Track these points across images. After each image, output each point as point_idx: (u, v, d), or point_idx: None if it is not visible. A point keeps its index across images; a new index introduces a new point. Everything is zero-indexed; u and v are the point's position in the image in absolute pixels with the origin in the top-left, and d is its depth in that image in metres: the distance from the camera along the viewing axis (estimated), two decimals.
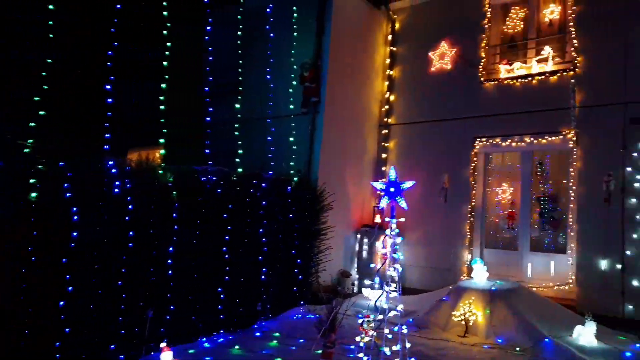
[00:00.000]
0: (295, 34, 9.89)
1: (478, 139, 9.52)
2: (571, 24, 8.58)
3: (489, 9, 9.71)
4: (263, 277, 7.25)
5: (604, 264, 7.77)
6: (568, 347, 5.86)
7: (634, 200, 7.63)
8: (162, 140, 7.07)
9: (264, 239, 7.29)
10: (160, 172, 5.92)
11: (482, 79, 9.57)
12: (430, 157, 10.09)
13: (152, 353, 5.25)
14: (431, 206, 9.86)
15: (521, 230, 9.28)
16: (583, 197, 8.15)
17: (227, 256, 6.61)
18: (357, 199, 10.50)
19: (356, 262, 10.17)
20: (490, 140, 9.39)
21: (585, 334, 6.11)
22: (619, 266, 7.60)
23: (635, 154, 7.70)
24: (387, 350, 4.34)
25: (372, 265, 4.36)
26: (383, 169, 10.80)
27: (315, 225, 8.54)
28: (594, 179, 7.96)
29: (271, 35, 9.89)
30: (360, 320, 6.22)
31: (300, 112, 9.81)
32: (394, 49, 11.06)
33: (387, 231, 4.28)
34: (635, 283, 7.46)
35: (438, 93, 10.18)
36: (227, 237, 6.60)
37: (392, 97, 10.97)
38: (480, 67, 9.61)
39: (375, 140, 11.06)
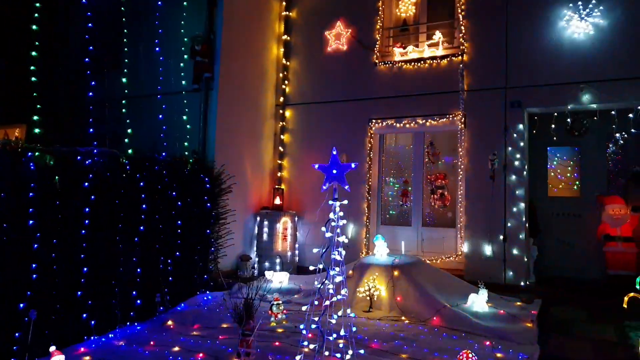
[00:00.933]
0: (185, 3, 9.13)
1: (374, 120, 9.74)
2: (460, 10, 9.07)
3: None
4: (161, 266, 6.68)
5: (488, 236, 8.48)
6: (464, 314, 6.25)
7: (514, 177, 8.40)
8: (36, 118, 6.03)
9: (160, 226, 6.70)
10: (33, 154, 5.04)
11: (376, 61, 9.76)
12: (328, 137, 10.09)
13: (38, 359, 4.53)
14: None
15: (414, 207, 9.76)
16: (471, 175, 8.77)
17: (120, 246, 5.93)
18: (255, 180, 10.21)
19: (255, 245, 9.92)
20: (385, 122, 9.66)
21: (478, 301, 6.58)
22: (501, 237, 8.34)
23: (515, 135, 8.45)
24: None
25: (315, 251, 4.10)
26: (281, 149, 10.61)
27: (215, 209, 8.09)
28: (480, 158, 8.59)
29: (159, 3, 9.01)
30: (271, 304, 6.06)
31: (192, 89, 9.18)
32: (290, 26, 10.80)
33: (331, 215, 4.06)
34: (514, 252, 8.27)
35: (335, 74, 10.20)
36: (119, 226, 5.91)
37: (289, 76, 10.74)
38: (375, 49, 9.79)
39: (272, 119, 10.79)
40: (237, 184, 8.46)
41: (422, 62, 9.33)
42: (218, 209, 8.14)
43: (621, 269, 8.25)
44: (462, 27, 8.98)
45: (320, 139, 10.19)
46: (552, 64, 8.23)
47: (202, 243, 7.65)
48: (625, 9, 7.83)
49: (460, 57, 8.94)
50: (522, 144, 8.44)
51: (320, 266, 4.01)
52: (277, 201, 10.29)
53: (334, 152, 4.25)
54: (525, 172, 8.48)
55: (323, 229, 4.04)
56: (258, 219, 9.95)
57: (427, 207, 9.86)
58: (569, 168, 9.51)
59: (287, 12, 10.82)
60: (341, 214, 4.08)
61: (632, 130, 7.96)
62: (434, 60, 9.21)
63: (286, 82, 10.75)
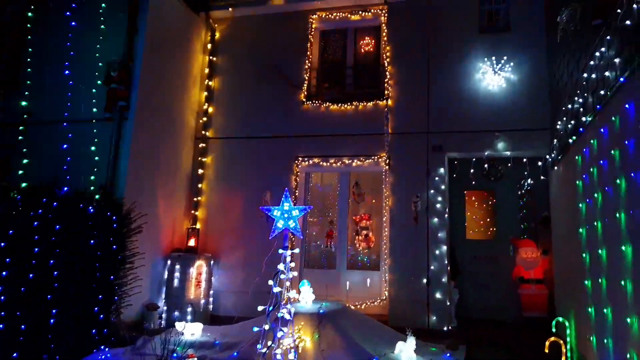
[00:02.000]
0: (103, 26, 8.45)
1: (300, 158, 9.51)
2: (385, 57, 9.29)
3: (313, 33, 9.92)
4: (52, 319, 5.72)
5: (412, 279, 8.41)
6: None
7: (436, 219, 8.51)
8: None
9: (55, 273, 5.78)
10: None
11: (304, 99, 9.65)
12: (251, 174, 9.71)
13: None
14: (251, 226, 9.46)
15: (339, 248, 9.53)
16: (395, 217, 8.76)
17: (2, 298, 4.97)
18: (168, 219, 9.42)
19: (165, 292, 9.03)
20: (312, 160, 9.48)
21: (406, 350, 6.36)
22: (424, 280, 8.32)
23: (436, 178, 8.62)
24: None
25: (261, 308, 3.58)
26: (199, 185, 9.97)
27: (122, 252, 7.26)
28: (404, 199, 8.64)
29: (72, 23, 8.24)
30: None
31: (104, 117, 8.38)
32: (214, 58, 10.43)
33: (280, 266, 3.59)
34: (437, 295, 8.26)
35: (261, 109, 9.92)
36: (4, 273, 4.97)
37: (210, 109, 10.27)
38: (303, 88, 9.69)
39: (190, 154, 10.16)
40: (147, 223, 7.71)
41: (348, 104, 9.36)
42: (125, 251, 7.33)
43: (535, 311, 8.54)
44: (388, 73, 9.17)
45: (243, 175, 9.75)
46: (470, 112, 8.61)
47: (104, 291, 6.77)
48: (531, 66, 8.46)
49: (385, 101, 9.08)
50: (443, 187, 8.62)
51: (266, 326, 3.53)
52: (192, 242, 9.54)
53: (286, 196, 3.86)
54: (446, 215, 8.63)
55: (270, 282, 3.58)
56: (169, 262, 9.11)
57: (351, 249, 9.67)
58: (485, 212, 9.87)
59: (211, 44, 10.45)
60: (292, 264, 3.66)
61: (542, 177, 8.45)
62: (361, 103, 9.28)
63: (207, 114, 10.25)
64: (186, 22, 10.03)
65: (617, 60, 4.31)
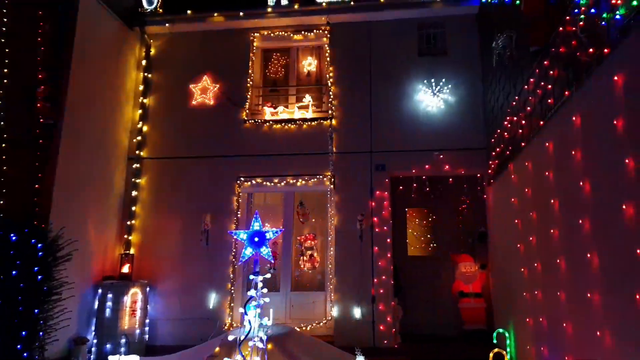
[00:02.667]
0: (29, 39, 7.81)
1: (242, 178, 9.27)
2: (329, 77, 9.36)
3: (255, 51, 9.81)
4: None
5: (357, 298, 8.39)
6: None
7: (380, 238, 8.57)
8: None
9: None
10: None
11: (246, 118, 9.47)
12: (190, 196, 9.32)
13: None
14: (190, 250, 9.07)
15: (283, 270, 9.32)
16: (340, 236, 8.74)
17: None
18: (99, 245, 8.80)
19: (95, 323, 8.35)
20: (254, 180, 9.27)
21: None
22: (369, 298, 8.32)
23: (380, 197, 8.73)
24: None
25: (231, 338, 3.30)
26: (133, 208, 9.40)
27: (48, 282, 6.63)
28: (349, 218, 8.65)
29: None
30: None
31: (29, 136, 7.69)
32: (149, 75, 10.00)
33: (252, 292, 3.35)
34: (382, 313, 8.29)
35: (200, 128, 9.60)
36: None
37: (145, 128, 9.79)
38: (245, 107, 9.51)
39: (123, 175, 9.59)
40: (77, 250, 7.14)
41: (292, 123, 9.30)
42: (52, 281, 6.71)
43: (475, 324, 8.80)
44: (332, 93, 9.24)
45: (181, 197, 9.33)
46: (411, 132, 8.86)
47: (28, 326, 6.11)
48: (467, 89, 8.89)
49: (329, 121, 9.12)
50: (386, 205, 8.74)
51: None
52: (126, 269, 8.94)
53: (256, 218, 3.66)
54: (390, 233, 8.74)
55: (241, 310, 3.34)
56: (100, 291, 8.45)
57: (296, 270, 9.50)
58: (426, 228, 10.12)
59: (146, 60, 10.02)
60: (265, 290, 3.46)
61: (479, 194, 8.82)
62: (305, 122, 9.26)
63: (142, 133, 9.75)
64: (119, 37, 9.57)
65: (554, 85, 4.59)
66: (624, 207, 3.28)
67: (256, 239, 3.52)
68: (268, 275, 3.62)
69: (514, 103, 6.18)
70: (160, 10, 10.15)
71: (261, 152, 9.29)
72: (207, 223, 9.16)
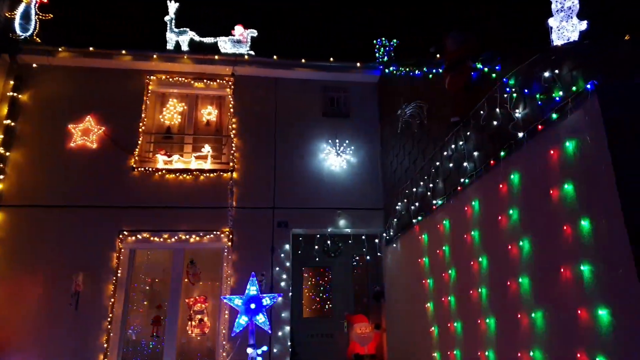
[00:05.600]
0: None
1: (125, 233, 8.23)
2: (231, 128, 9.02)
3: (149, 95, 9.10)
4: None
5: None
6: None
7: (280, 299, 8.16)
8: None
9: None
10: None
11: (135, 166, 8.58)
12: (59, 251, 7.96)
13: None
14: (56, 314, 7.66)
15: (168, 337, 8.27)
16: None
17: None
18: None
19: None
20: (140, 235, 8.29)
21: None
22: None
23: (282, 255, 8.40)
24: None
25: None
26: None
27: None
28: (248, 277, 8.08)
29: None
30: None
31: None
32: (18, 110, 8.61)
33: None
34: None
35: (78, 174, 8.42)
36: None
37: (8, 170, 8.29)
38: (134, 153, 8.64)
39: None
40: None
41: (188, 173, 8.65)
42: None
43: None
44: (234, 145, 8.89)
45: (49, 251, 7.92)
46: (314, 189, 8.84)
47: None
48: (367, 151, 9.26)
49: (230, 174, 8.70)
50: (287, 264, 8.44)
51: None
52: None
53: (252, 282, 3.07)
54: (290, 293, 8.40)
55: None
56: None
57: (182, 337, 8.51)
58: (321, 288, 9.98)
59: (16, 93, 8.65)
60: None
61: (378, 253, 9.02)
62: (202, 174, 8.68)
63: (2, 176, 8.21)
64: None
65: (476, 153, 4.95)
66: (562, 269, 3.52)
67: (252, 306, 2.99)
68: (265, 348, 3.08)
69: (424, 167, 6.54)
70: (38, 39, 8.99)
71: (150, 203, 8.41)
72: (79, 284, 7.86)
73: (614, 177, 3.04)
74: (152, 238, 8.30)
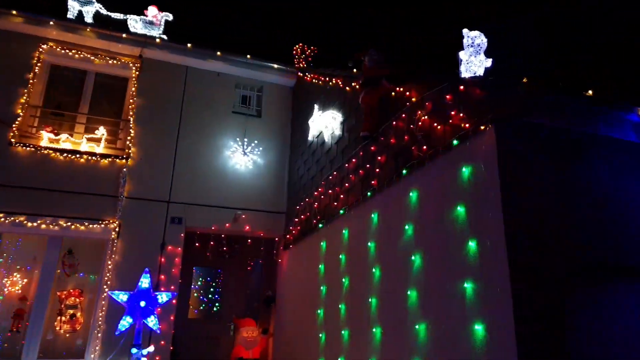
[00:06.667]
0: None
1: None
2: (131, 113, 8.43)
3: (39, 64, 8.20)
4: None
5: None
6: None
7: (165, 298, 7.74)
8: None
9: None
10: None
11: (13, 140, 7.66)
12: None
13: None
14: None
15: (30, 333, 7.43)
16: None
17: None
18: None
19: None
20: (13, 218, 7.40)
21: None
22: None
23: (173, 252, 7.98)
24: None
25: None
26: None
27: None
28: (133, 273, 7.57)
29: None
30: None
31: None
32: None
33: None
34: None
35: None
36: None
37: None
38: (14, 126, 7.72)
39: None
40: None
41: (77, 155, 7.92)
42: None
43: None
44: (132, 131, 8.31)
45: None
46: (215, 187, 8.57)
47: None
48: (276, 154, 9.20)
49: (125, 161, 8.11)
50: (177, 261, 8.06)
51: None
52: None
53: (145, 278, 2.76)
54: (177, 293, 8.01)
55: None
56: None
57: (49, 333, 7.71)
58: (212, 289, 9.67)
59: None
60: None
61: (275, 257, 8.95)
62: (93, 157, 7.99)
63: None
64: None
65: (380, 169, 5.15)
66: (447, 286, 3.75)
67: (142, 303, 2.71)
68: (151, 349, 2.83)
69: (330, 176, 6.65)
70: None
71: (29, 184, 7.56)
72: None
73: (501, 204, 3.32)
74: (26, 222, 7.44)
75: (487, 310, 3.32)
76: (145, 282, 3.44)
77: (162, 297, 3.74)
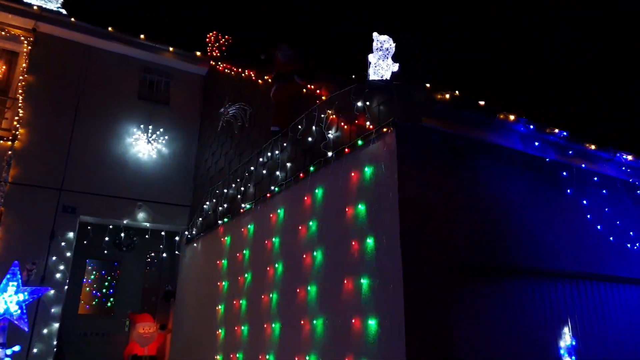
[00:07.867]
0: None
1: None
2: (21, 90, 7.63)
3: None
4: None
5: None
6: None
7: (52, 292, 7.14)
8: None
9: None
10: None
11: None
12: None
13: None
14: None
15: None
16: None
17: None
18: None
19: None
20: None
21: None
22: None
23: (63, 244, 7.39)
24: None
25: None
26: None
27: None
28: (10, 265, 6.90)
29: None
30: None
31: None
32: None
33: None
34: None
35: None
36: None
37: None
38: None
39: None
40: None
41: None
42: None
43: None
44: (20, 110, 7.53)
45: None
46: (114, 176, 8.06)
47: None
48: (183, 145, 8.85)
49: (10, 142, 7.34)
50: (68, 254, 7.47)
51: None
52: None
53: (16, 267, 2.44)
54: (66, 287, 7.43)
55: None
56: None
57: None
58: (106, 284, 9.07)
59: None
60: None
61: (176, 251, 8.60)
62: None
63: None
64: None
65: (289, 164, 5.15)
66: (345, 281, 3.86)
67: (2, 297, 2.44)
68: (17, 348, 2.54)
69: (238, 170, 6.54)
70: None
71: None
72: None
73: (397, 204, 3.47)
74: None
75: (380, 305, 3.46)
76: (11, 284, 3.09)
77: (21, 295, 3.35)
